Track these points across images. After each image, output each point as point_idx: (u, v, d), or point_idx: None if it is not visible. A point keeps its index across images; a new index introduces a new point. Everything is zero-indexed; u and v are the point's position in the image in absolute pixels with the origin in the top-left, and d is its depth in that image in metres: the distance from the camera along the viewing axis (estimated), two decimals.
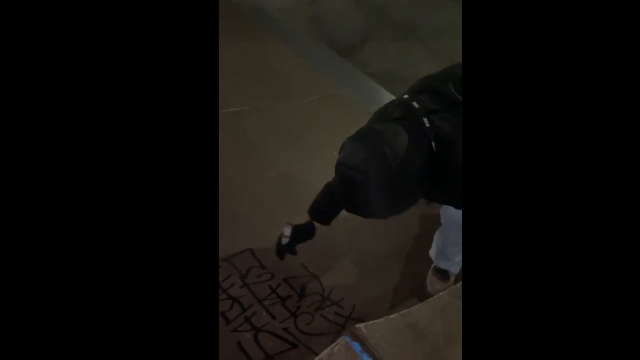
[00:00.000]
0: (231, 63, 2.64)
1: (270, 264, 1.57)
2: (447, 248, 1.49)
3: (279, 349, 1.30)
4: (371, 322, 1.04)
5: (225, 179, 1.89)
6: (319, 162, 2.14)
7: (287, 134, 2.30)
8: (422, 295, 1.54)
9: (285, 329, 1.36)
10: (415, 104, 1.21)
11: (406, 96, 1.29)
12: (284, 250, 1.49)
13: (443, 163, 1.15)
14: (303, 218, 1.78)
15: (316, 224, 1.51)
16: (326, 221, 1.49)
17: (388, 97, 2.67)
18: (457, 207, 1.31)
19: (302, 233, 1.48)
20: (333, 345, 0.98)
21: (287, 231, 1.47)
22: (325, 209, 1.48)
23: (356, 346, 0.96)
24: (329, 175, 2.04)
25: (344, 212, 1.39)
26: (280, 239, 1.48)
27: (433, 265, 1.56)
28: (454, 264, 1.51)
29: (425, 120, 1.17)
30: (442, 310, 1.12)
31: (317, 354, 1.32)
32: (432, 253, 1.55)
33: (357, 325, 1.00)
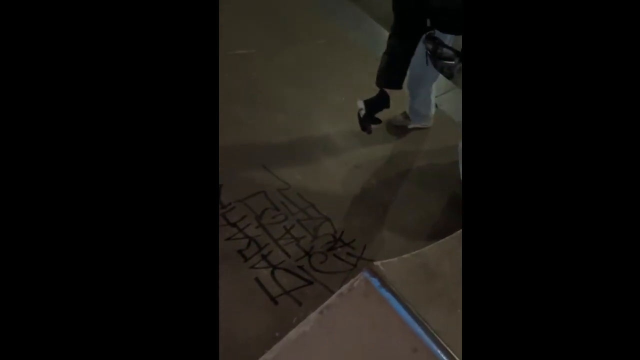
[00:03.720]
0: (236, 5, 2.58)
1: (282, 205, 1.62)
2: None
3: (294, 284, 1.37)
4: (386, 261, 1.09)
5: (236, 121, 1.90)
6: (326, 104, 2.15)
7: (294, 77, 2.29)
8: (433, 233, 1.61)
9: (300, 267, 1.42)
10: None
11: None
12: (365, 122, 1.61)
13: None
14: (315, 161, 1.82)
15: (387, 91, 1.62)
16: (396, 84, 1.60)
17: None
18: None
19: (376, 102, 1.60)
20: (352, 280, 1.04)
21: (360, 104, 1.59)
22: (390, 71, 1.59)
23: (375, 281, 1.01)
24: (337, 116, 2.07)
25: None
26: (359, 115, 1.59)
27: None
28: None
29: None
30: (450, 252, 1.18)
31: (331, 291, 1.40)
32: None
33: (375, 263, 1.05)
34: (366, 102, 1.60)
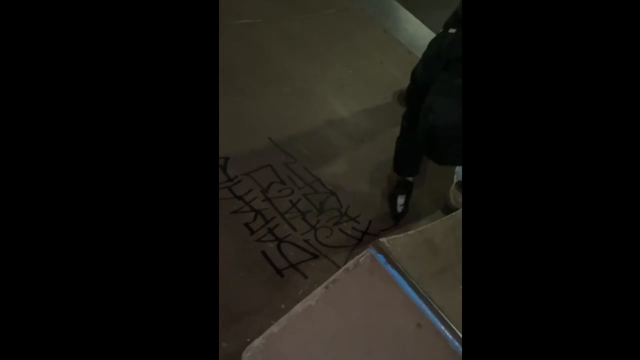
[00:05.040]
0: None
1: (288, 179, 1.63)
2: None
3: (300, 258, 1.39)
4: (392, 237, 1.10)
5: (242, 92, 1.89)
6: (333, 76, 2.13)
7: (301, 47, 2.26)
8: (446, 209, 1.63)
9: (306, 241, 1.44)
10: None
11: (452, 30, 1.29)
12: (403, 215, 1.60)
13: None
14: (321, 134, 1.82)
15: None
16: (415, 172, 1.61)
17: (404, 14, 2.59)
18: None
19: (409, 194, 1.60)
20: (358, 256, 1.05)
21: (401, 200, 1.59)
22: (408, 162, 1.60)
23: (380, 258, 1.03)
24: (344, 89, 2.05)
25: None
26: (395, 209, 1.59)
27: (456, 180, 1.64)
28: None
29: None
30: (454, 228, 1.19)
31: (336, 265, 1.42)
32: (460, 168, 1.64)
33: (380, 239, 1.06)
34: (406, 196, 1.59)
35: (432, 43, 1.40)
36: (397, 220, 1.60)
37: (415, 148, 1.53)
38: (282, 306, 1.25)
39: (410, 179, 1.61)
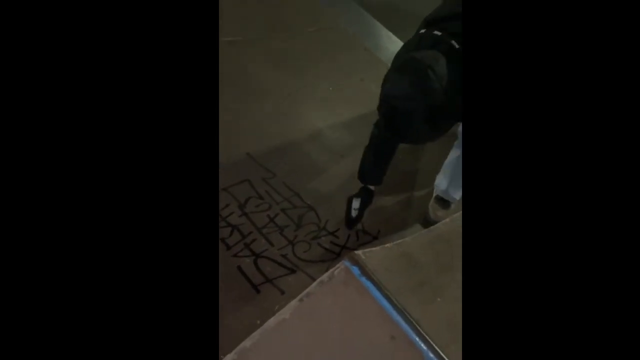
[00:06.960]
0: None
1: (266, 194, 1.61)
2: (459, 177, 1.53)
3: (277, 273, 1.37)
4: (368, 249, 1.09)
5: (222, 108, 1.87)
6: (313, 93, 2.14)
7: (282, 64, 2.27)
8: (425, 222, 1.62)
9: (284, 255, 1.42)
10: (437, 32, 1.24)
11: (422, 30, 1.31)
12: (356, 221, 1.56)
13: None
14: (301, 150, 1.81)
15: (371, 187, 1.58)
16: (377, 182, 1.57)
17: (385, 33, 2.63)
18: None
19: (364, 200, 1.56)
20: (333, 269, 1.04)
21: (356, 203, 1.54)
22: (372, 171, 1.55)
23: (355, 270, 1.01)
24: (324, 106, 2.06)
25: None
26: (350, 213, 1.55)
27: (435, 194, 1.64)
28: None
29: (454, 42, 1.21)
30: (432, 242, 1.18)
31: (314, 279, 1.40)
32: (440, 182, 1.61)
33: (356, 251, 1.05)
34: (361, 201, 1.56)
35: (403, 46, 1.41)
36: (350, 226, 1.56)
37: (381, 158, 1.52)
38: (258, 322, 1.22)
39: (372, 187, 1.59)
